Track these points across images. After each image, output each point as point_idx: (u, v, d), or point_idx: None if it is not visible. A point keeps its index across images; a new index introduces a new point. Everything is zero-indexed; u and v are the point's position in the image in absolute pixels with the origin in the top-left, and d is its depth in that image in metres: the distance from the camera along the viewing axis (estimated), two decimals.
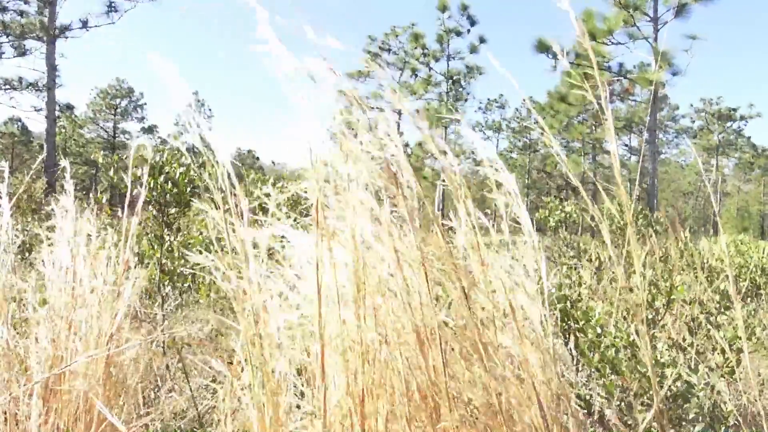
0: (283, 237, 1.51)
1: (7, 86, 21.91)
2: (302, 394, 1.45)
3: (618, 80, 20.21)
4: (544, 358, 1.30)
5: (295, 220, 1.51)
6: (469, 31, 30.09)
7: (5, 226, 1.93)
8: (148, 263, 4.36)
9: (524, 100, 1.62)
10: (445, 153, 1.35)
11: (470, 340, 1.23)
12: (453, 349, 1.26)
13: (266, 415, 1.29)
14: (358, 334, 1.23)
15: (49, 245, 1.99)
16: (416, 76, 30.69)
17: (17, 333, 1.95)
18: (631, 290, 3.28)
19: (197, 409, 2.51)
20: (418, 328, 1.22)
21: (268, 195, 1.47)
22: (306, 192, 1.36)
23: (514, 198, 1.40)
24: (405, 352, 1.26)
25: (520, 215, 1.41)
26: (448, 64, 30.84)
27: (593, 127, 38.09)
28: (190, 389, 2.55)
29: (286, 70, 1.31)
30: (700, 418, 2.16)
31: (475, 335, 1.22)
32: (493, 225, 1.41)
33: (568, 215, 9.79)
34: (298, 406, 1.42)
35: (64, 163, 2.12)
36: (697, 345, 2.70)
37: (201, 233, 5.43)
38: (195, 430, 2.47)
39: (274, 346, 1.33)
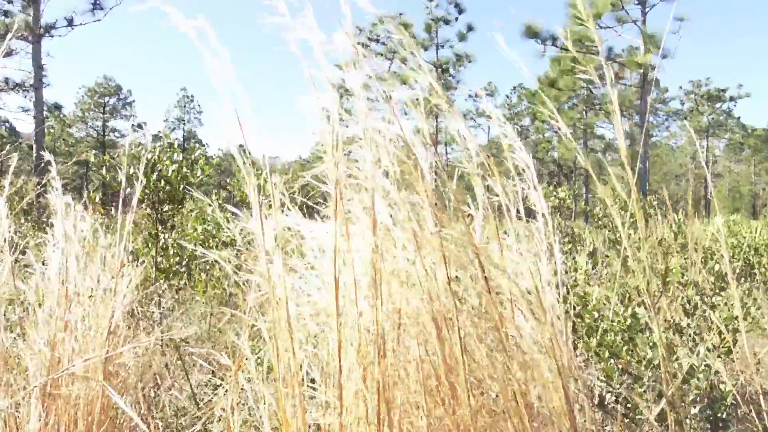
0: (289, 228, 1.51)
1: None
2: (312, 382, 1.44)
3: (607, 65, 20.12)
4: (559, 339, 1.30)
5: (301, 208, 1.50)
6: (457, 19, 30.04)
7: (2, 227, 1.92)
8: (144, 261, 4.34)
9: (514, 87, 1.62)
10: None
11: (490, 324, 1.23)
12: (469, 335, 1.26)
13: (289, 407, 1.28)
14: (373, 322, 1.23)
15: (37, 245, 1.97)
16: (405, 65, 30.46)
17: (16, 335, 1.94)
18: (627, 274, 3.29)
19: (198, 406, 2.51)
20: (436, 312, 1.21)
21: (274, 184, 1.46)
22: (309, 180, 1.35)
23: (530, 182, 1.41)
24: (421, 338, 1.26)
25: (535, 200, 1.42)
26: (437, 53, 30.75)
27: (584, 112, 38.13)
28: (191, 386, 2.55)
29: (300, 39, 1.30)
30: (698, 398, 2.17)
31: (495, 318, 1.22)
32: (504, 210, 1.42)
33: (561, 201, 9.81)
34: (312, 397, 1.42)
35: (48, 157, 2.09)
36: (694, 327, 2.71)
37: (196, 229, 5.41)
38: (195, 425, 2.47)
39: (296, 336, 1.33)
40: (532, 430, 1.29)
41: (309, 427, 1.40)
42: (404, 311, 1.27)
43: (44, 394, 1.71)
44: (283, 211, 1.43)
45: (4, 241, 1.90)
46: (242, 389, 1.58)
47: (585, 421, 1.37)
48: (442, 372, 1.22)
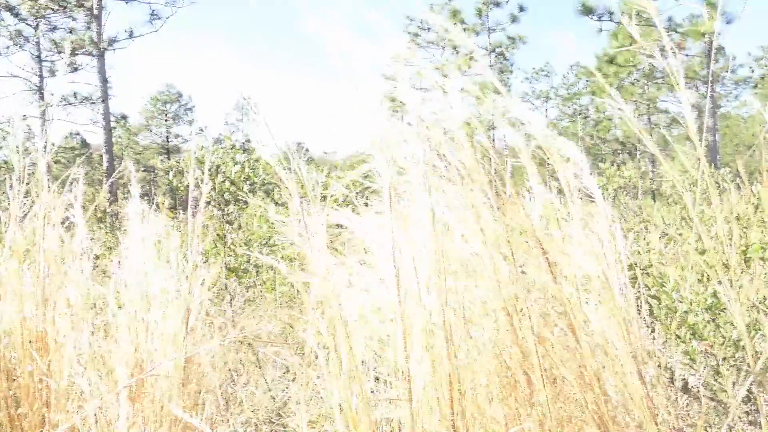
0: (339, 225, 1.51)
1: (64, 102, 22.73)
2: (378, 380, 1.45)
3: (668, 35, 19.40)
4: (630, 326, 1.26)
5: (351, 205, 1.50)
6: (507, 1, 29.47)
7: (80, 235, 2.00)
8: (214, 261, 4.46)
9: (571, 66, 1.56)
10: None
11: (558, 310, 1.21)
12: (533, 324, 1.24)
13: (353, 400, 1.29)
14: (440, 315, 1.22)
15: (109, 249, 2.05)
16: (458, 52, 30.28)
17: (101, 337, 2.03)
18: (703, 252, 3.16)
19: (274, 401, 2.56)
20: (506, 303, 1.20)
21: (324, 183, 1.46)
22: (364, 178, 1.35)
23: (581, 168, 1.37)
24: (490, 330, 1.24)
25: (588, 185, 1.37)
26: (489, 37, 30.30)
27: (645, 87, 36.81)
28: (266, 382, 2.61)
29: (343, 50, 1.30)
30: None
31: (564, 302, 1.19)
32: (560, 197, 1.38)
33: (627, 180, 9.51)
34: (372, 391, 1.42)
35: (130, 167, 2.15)
36: None
37: (261, 227, 5.52)
38: (273, 421, 2.53)
39: (354, 331, 1.33)
40: (609, 417, 1.25)
41: (378, 421, 1.40)
42: (470, 301, 1.25)
43: (131, 395, 1.78)
44: (345, 206, 1.43)
45: (83, 248, 1.98)
46: (315, 384, 1.60)
47: (666, 405, 1.32)
48: (517, 361, 1.20)
